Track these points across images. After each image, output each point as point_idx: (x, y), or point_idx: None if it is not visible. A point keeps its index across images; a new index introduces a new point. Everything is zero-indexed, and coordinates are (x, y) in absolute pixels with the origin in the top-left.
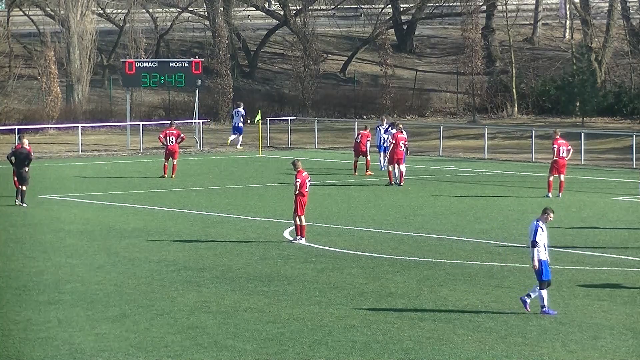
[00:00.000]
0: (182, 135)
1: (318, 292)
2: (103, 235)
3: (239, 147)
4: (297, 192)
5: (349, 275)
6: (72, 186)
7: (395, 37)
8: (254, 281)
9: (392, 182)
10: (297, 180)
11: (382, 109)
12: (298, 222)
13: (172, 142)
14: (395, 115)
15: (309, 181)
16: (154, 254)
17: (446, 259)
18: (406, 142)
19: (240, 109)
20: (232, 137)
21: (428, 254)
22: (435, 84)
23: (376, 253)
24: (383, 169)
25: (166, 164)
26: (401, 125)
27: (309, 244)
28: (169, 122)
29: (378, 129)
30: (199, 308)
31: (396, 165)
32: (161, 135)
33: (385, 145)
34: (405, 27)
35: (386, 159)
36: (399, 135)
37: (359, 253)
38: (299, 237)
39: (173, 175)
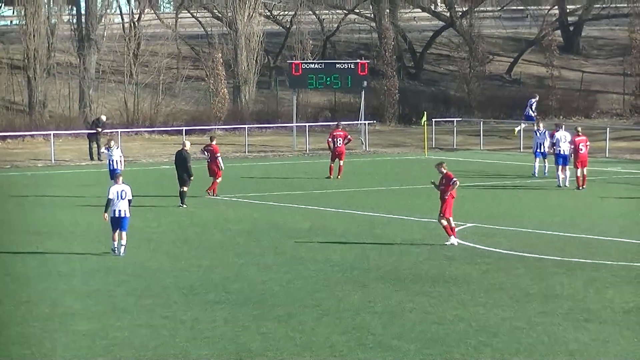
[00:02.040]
0: (348, 136)
1: (483, 293)
2: (270, 235)
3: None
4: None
5: (514, 276)
6: (240, 186)
7: (561, 39)
8: (419, 282)
9: (581, 187)
10: (455, 180)
11: (547, 110)
12: (446, 223)
13: (339, 143)
14: (561, 117)
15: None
16: (320, 253)
17: (613, 261)
18: (587, 143)
19: (534, 100)
20: (520, 126)
21: (594, 256)
22: (601, 85)
23: (542, 254)
24: (542, 174)
25: (332, 165)
26: (579, 128)
27: (475, 245)
28: (335, 123)
29: (535, 133)
30: (364, 308)
31: (567, 170)
32: (329, 139)
33: (543, 150)
34: (571, 28)
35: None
36: (576, 139)
37: (524, 254)
38: (452, 236)
39: (339, 176)
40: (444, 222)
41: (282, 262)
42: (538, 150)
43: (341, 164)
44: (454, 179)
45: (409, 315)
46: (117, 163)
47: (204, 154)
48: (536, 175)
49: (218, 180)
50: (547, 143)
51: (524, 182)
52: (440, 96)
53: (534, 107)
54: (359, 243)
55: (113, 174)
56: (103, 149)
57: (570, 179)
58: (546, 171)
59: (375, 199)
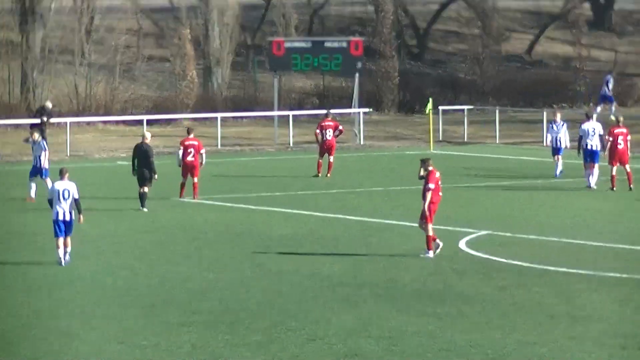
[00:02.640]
0: (340, 127)
1: (500, 315)
2: (247, 243)
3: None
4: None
5: (537, 294)
6: (210, 186)
7: (590, 12)
8: (424, 300)
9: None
10: (429, 185)
11: (575, 97)
12: (431, 233)
13: (329, 136)
14: (590, 104)
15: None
16: (305, 266)
17: None
18: (628, 137)
19: (611, 76)
20: (598, 108)
21: (632, 270)
22: (638, 67)
23: (570, 267)
24: (558, 176)
25: (321, 160)
26: (621, 118)
27: (489, 257)
28: (325, 112)
29: (551, 126)
30: (358, 332)
31: (595, 168)
32: (317, 131)
33: (559, 146)
34: (602, 0)
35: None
36: (615, 130)
37: (548, 267)
38: (429, 251)
39: (328, 175)
40: (430, 231)
41: (261, 275)
42: (555, 145)
43: (331, 159)
44: (429, 185)
45: (411, 341)
46: (39, 160)
47: (183, 151)
48: (557, 176)
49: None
50: (565, 137)
51: (548, 183)
52: (448, 80)
53: (610, 86)
54: (351, 254)
55: (35, 172)
56: (27, 139)
57: (601, 179)
58: (558, 172)
59: (370, 202)
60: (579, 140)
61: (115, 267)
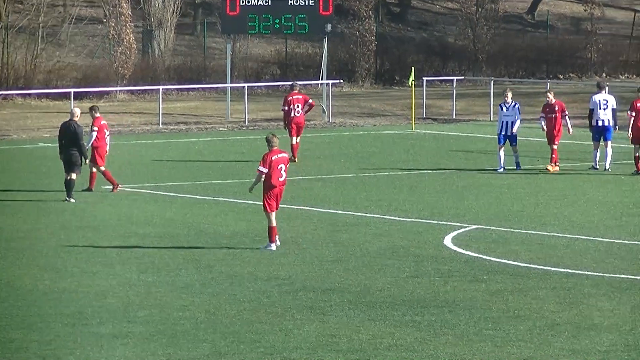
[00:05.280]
0: (310, 100)
1: (491, 324)
2: (191, 241)
3: None
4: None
5: (535, 300)
6: (150, 173)
7: None
8: (402, 308)
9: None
10: (261, 168)
11: (586, 65)
12: (274, 224)
13: (298, 112)
14: (603, 74)
15: (283, 170)
16: (262, 268)
17: None
18: None
19: None
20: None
21: None
22: None
23: (574, 268)
24: (500, 170)
25: (296, 142)
26: None
27: (480, 255)
28: (290, 83)
29: (500, 108)
30: (324, 345)
31: (609, 147)
32: (284, 106)
33: (505, 133)
34: None
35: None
36: (639, 104)
37: (549, 268)
38: (272, 242)
39: (295, 158)
40: (274, 222)
41: (208, 280)
42: (506, 132)
43: (297, 140)
44: (260, 168)
45: (386, 355)
46: None
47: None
48: (499, 171)
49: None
50: (517, 120)
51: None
52: (435, 46)
53: None
54: (317, 253)
55: None
56: None
57: (617, 162)
58: (502, 164)
59: (340, 191)
60: (590, 113)
61: (35, 268)
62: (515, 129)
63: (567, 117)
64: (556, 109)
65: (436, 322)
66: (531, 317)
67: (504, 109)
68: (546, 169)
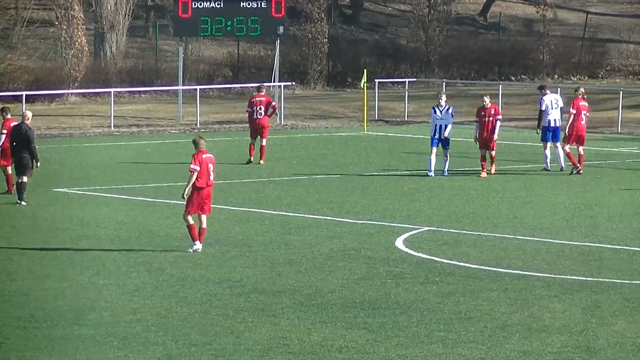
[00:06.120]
0: (273, 102)
1: (443, 325)
2: (142, 244)
3: None
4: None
5: (487, 301)
6: (101, 176)
7: None
8: (353, 310)
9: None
10: (193, 166)
11: (538, 67)
12: (191, 222)
13: (260, 114)
14: (555, 76)
15: (212, 170)
16: (213, 270)
17: (624, 279)
18: (587, 113)
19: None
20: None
21: (599, 272)
22: (613, 31)
23: (525, 270)
24: (430, 174)
25: (253, 143)
26: (582, 89)
27: (432, 257)
28: (257, 85)
29: (434, 111)
30: (275, 347)
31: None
32: (249, 108)
33: (439, 137)
34: None
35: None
36: (580, 103)
37: (501, 270)
38: (196, 242)
39: (261, 161)
40: (189, 221)
41: (159, 282)
42: (436, 136)
43: (263, 142)
44: (192, 166)
45: (337, 357)
46: None
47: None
48: (429, 176)
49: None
50: (449, 123)
51: (502, 168)
52: (388, 48)
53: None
54: (268, 255)
55: None
56: None
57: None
58: (432, 168)
59: (292, 193)
60: (540, 114)
61: None
62: (447, 133)
63: (498, 122)
64: (492, 112)
65: (388, 324)
66: (482, 319)
67: (438, 112)
68: (489, 173)
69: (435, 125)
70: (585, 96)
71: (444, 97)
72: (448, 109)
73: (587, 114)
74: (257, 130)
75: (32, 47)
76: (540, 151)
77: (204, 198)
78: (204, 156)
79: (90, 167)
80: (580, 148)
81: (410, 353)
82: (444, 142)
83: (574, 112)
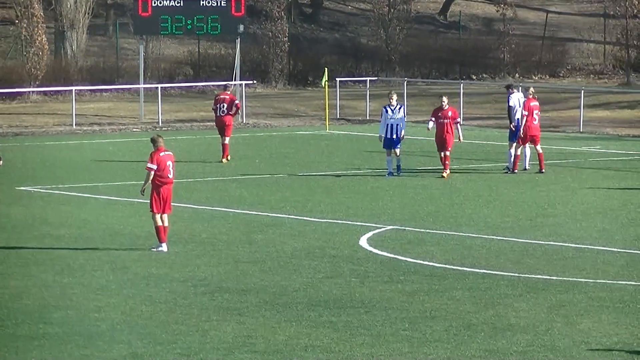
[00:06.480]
0: (236, 101)
1: (408, 324)
2: (106, 243)
3: None
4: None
5: (452, 300)
6: (63, 174)
7: None
8: (318, 308)
9: (515, 170)
10: (150, 165)
11: (498, 66)
12: (160, 223)
13: (222, 111)
14: (517, 75)
15: (171, 167)
16: (177, 269)
17: (589, 278)
18: (539, 113)
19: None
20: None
21: (563, 271)
22: (574, 30)
23: (490, 269)
24: (387, 177)
25: (225, 142)
26: (532, 89)
27: (396, 256)
28: (224, 84)
29: (385, 110)
30: (240, 346)
31: (527, 146)
32: (214, 106)
33: (391, 136)
34: None
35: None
36: (531, 104)
37: (465, 269)
38: (162, 242)
39: (224, 159)
40: (159, 221)
41: (123, 281)
42: (391, 135)
43: (226, 141)
44: (149, 165)
45: (303, 355)
46: None
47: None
48: (388, 177)
49: None
50: (403, 123)
51: (465, 167)
52: (348, 47)
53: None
54: (232, 254)
55: None
56: None
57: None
58: (391, 169)
59: (255, 192)
60: (509, 113)
61: None
62: (400, 133)
63: (459, 124)
64: (449, 114)
65: (353, 322)
66: (448, 318)
67: (389, 111)
68: (442, 176)
69: (388, 124)
70: (535, 96)
71: (394, 97)
72: (400, 108)
73: (539, 114)
74: (221, 127)
75: None
76: (505, 150)
77: (165, 196)
78: (162, 154)
79: (53, 166)
80: (538, 147)
81: (375, 352)
82: (395, 142)
83: (526, 113)
